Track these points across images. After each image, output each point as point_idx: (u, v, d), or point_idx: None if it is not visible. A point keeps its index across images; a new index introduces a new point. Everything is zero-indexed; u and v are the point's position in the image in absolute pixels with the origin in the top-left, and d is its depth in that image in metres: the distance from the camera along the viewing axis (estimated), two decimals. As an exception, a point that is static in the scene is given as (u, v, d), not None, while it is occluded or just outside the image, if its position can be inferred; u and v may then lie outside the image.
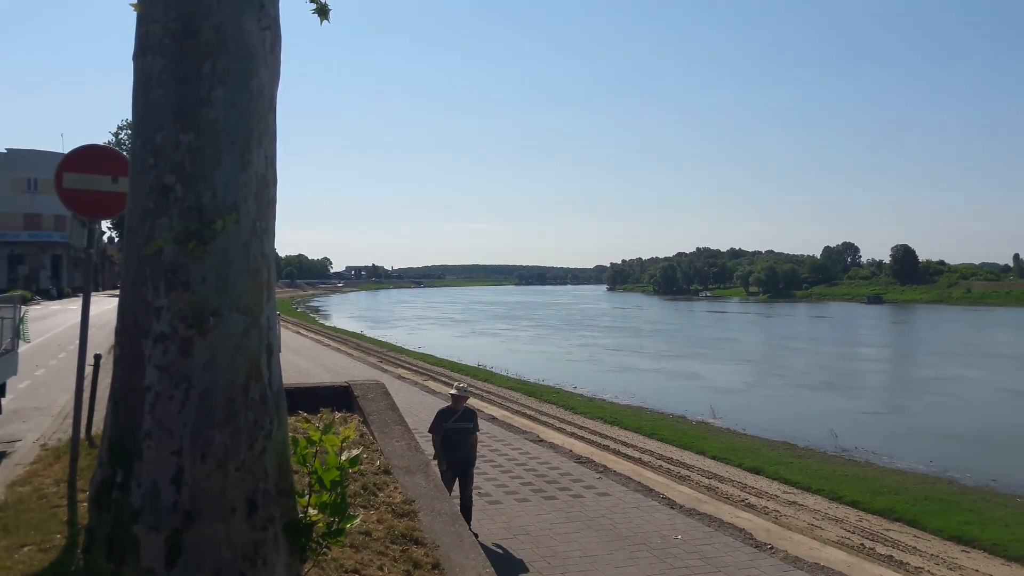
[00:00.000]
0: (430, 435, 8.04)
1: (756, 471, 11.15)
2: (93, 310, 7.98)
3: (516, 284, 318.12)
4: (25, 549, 5.82)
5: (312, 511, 3.88)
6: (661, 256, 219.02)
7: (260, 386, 3.64)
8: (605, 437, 13.18)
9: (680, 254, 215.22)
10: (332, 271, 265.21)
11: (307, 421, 4.00)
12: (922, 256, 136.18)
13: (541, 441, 11.82)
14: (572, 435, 13.10)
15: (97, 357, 9.88)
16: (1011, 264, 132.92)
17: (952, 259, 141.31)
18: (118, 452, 3.46)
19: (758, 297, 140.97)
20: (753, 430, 16.11)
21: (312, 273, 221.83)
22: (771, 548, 7.18)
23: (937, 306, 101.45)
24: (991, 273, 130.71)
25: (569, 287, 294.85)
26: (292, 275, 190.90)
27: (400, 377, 20.31)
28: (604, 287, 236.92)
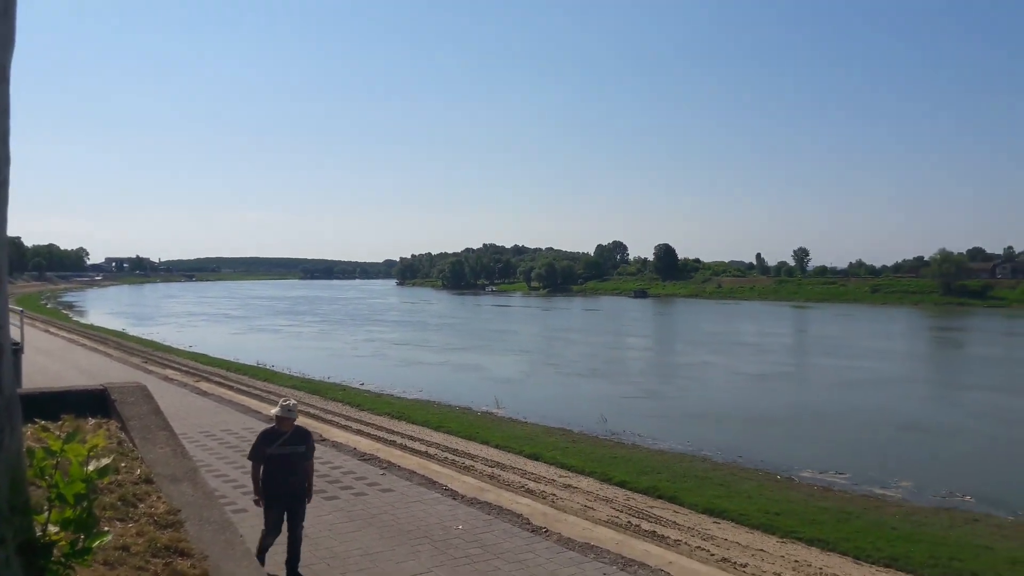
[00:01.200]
0: (249, 463, 6.76)
1: (535, 457, 11.63)
2: None
3: (301, 278, 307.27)
4: None
5: (52, 528, 3.48)
6: (450, 251, 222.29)
7: None
8: (392, 432, 13.10)
9: (468, 250, 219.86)
10: (89, 263, 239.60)
11: (45, 430, 3.57)
12: (681, 254, 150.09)
13: (324, 440, 11.49)
14: (358, 432, 12.87)
15: None
16: (754, 262, 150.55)
17: (706, 257, 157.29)
18: None
19: (539, 292, 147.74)
20: (533, 418, 16.82)
21: (65, 265, 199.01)
22: (546, 531, 7.51)
23: (693, 300, 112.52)
24: (738, 270, 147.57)
25: (358, 281, 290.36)
26: (41, 267, 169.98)
27: (167, 379, 18.82)
28: (394, 282, 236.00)
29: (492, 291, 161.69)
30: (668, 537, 7.90)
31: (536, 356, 33.79)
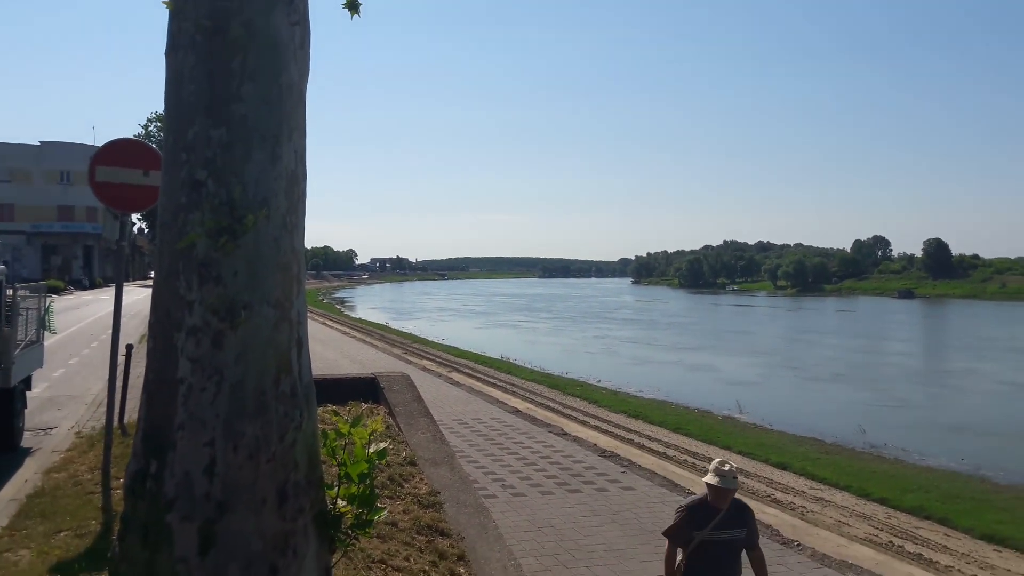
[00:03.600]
0: (665, 540, 5.05)
1: (783, 467, 11.06)
2: (124, 300, 8.12)
3: (539, 277, 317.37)
4: (62, 534, 6.02)
5: (341, 503, 3.95)
6: (688, 249, 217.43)
7: (290, 379, 3.70)
8: (629, 431, 13.16)
9: (707, 247, 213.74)
10: (357, 263, 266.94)
11: (336, 414, 4.07)
12: (955, 250, 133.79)
13: (565, 435, 11.84)
14: (596, 428, 13.09)
15: (129, 347, 10.04)
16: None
17: (987, 253, 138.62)
18: (152, 443, 3.54)
19: (786, 291, 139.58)
20: (780, 425, 16.00)
21: (338, 265, 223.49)
22: (798, 545, 7.12)
23: (970, 301, 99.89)
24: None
25: (593, 280, 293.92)
26: (318, 267, 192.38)
27: (424, 369, 20.42)
28: (628, 280, 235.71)
29: (733, 290, 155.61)
30: (938, 562, 7.15)
31: (785, 360, 32.02)
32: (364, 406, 8.94)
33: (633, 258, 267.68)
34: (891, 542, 7.68)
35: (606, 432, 12.84)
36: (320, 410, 4.52)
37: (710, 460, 11.18)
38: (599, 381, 22.22)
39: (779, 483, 10.01)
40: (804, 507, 8.82)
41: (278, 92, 3.59)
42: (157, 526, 3.41)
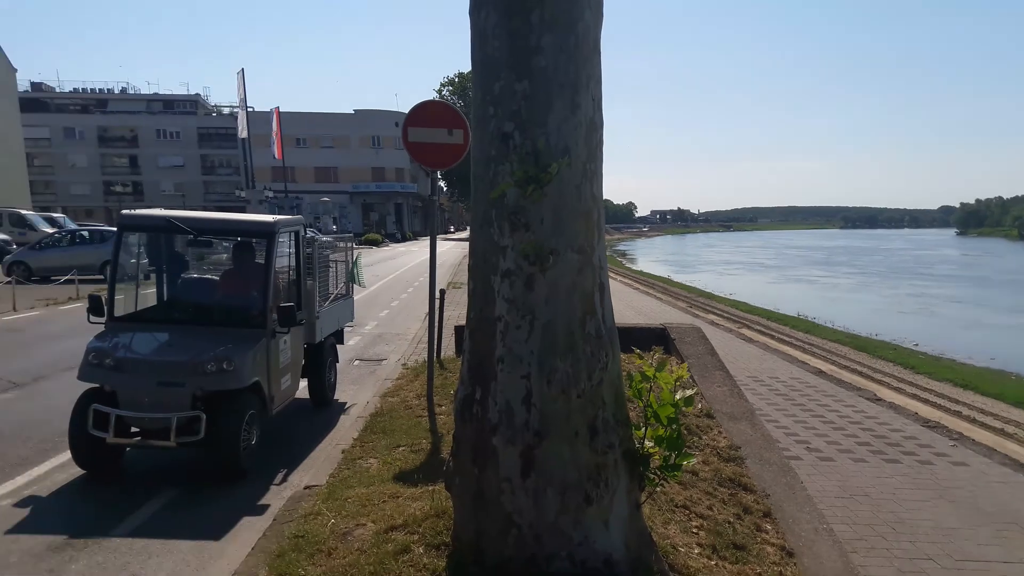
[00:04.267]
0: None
1: None
2: (426, 253, 9.00)
3: (840, 228, 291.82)
4: (400, 449, 6.84)
5: (648, 443, 3.98)
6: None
7: (595, 321, 3.85)
8: (956, 402, 11.59)
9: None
10: (637, 216, 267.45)
11: (640, 357, 4.07)
12: None
13: (879, 400, 10.75)
14: (914, 397, 11.72)
15: (441, 292, 11.00)
16: None
17: None
18: (476, 372, 3.87)
19: None
20: None
21: (617, 218, 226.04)
22: None
23: None
24: None
25: (905, 231, 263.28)
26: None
27: (712, 323, 19.84)
28: (951, 231, 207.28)
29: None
30: None
31: None
32: (655, 356, 8.90)
33: (958, 205, 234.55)
34: None
35: (927, 401, 11.44)
36: (623, 355, 4.56)
37: (1065, 440, 9.52)
38: (916, 345, 19.93)
39: None
40: None
41: (575, 41, 3.65)
42: (484, 447, 3.79)
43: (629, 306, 22.71)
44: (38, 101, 78.84)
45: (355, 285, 10.73)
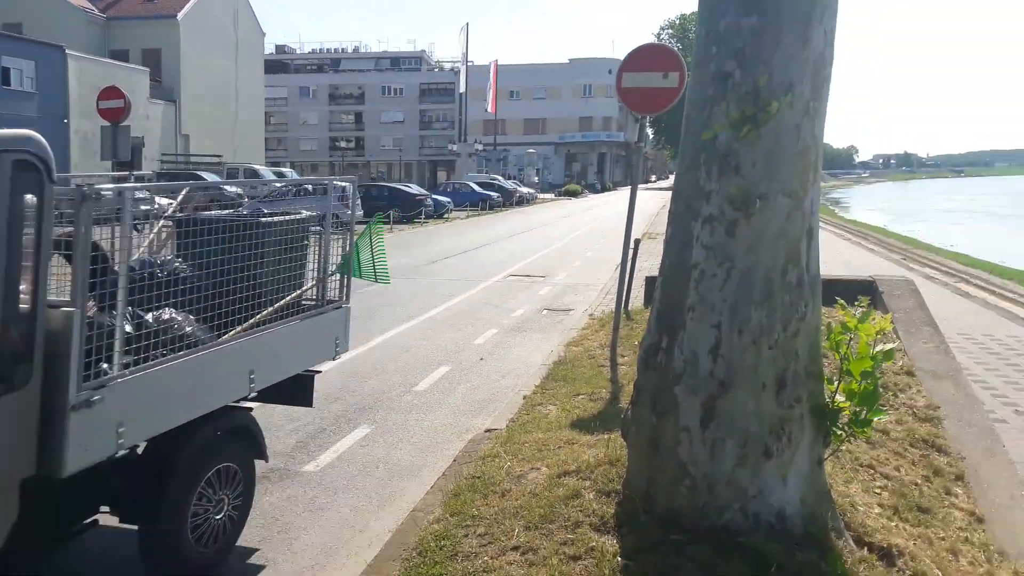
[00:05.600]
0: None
1: None
2: (623, 205, 9.00)
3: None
4: (579, 397, 7.15)
5: (840, 398, 3.93)
6: None
7: (798, 270, 3.75)
8: None
9: None
10: (857, 160, 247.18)
11: (844, 308, 3.99)
12: None
13: None
14: None
15: (636, 242, 11.15)
16: None
17: None
18: (665, 321, 3.94)
19: None
20: None
21: (836, 163, 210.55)
22: None
23: None
24: None
25: None
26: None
27: (928, 278, 18.34)
28: None
29: None
30: None
31: None
32: (859, 310, 8.58)
33: None
34: None
35: None
36: (826, 308, 4.49)
37: None
38: None
39: None
40: None
41: None
42: (665, 396, 3.86)
43: (836, 258, 21.46)
44: (280, 63, 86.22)
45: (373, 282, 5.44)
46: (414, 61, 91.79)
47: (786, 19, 3.54)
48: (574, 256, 20.78)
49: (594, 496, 4.27)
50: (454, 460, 5.75)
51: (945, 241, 33.54)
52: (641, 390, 4.12)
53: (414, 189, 36.34)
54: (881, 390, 6.43)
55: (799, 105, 3.60)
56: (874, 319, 3.93)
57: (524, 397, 7.31)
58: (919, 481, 4.95)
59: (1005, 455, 5.61)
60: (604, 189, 74.90)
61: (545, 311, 12.72)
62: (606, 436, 5.34)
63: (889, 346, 3.99)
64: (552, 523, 4.09)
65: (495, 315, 12.19)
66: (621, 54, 8.61)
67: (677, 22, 74.66)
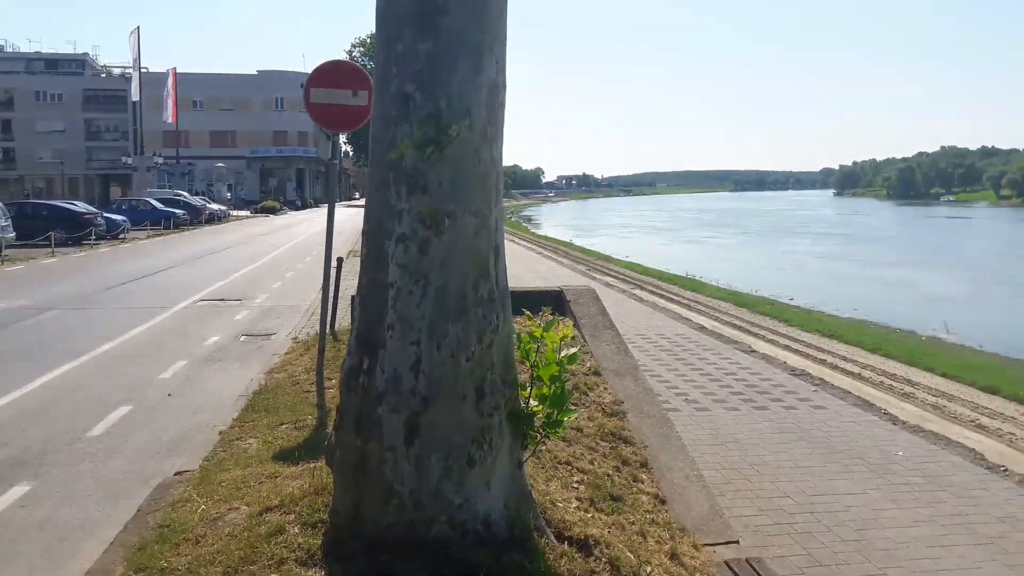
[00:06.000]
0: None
1: (992, 391, 10.21)
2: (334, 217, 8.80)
3: (731, 190, 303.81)
4: (283, 427, 6.78)
5: (533, 402, 4.19)
6: (899, 156, 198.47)
7: (488, 284, 3.88)
8: (822, 351, 12.64)
9: (921, 154, 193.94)
10: (544, 181, 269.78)
11: (530, 319, 4.24)
12: None
13: (753, 352, 11.60)
14: (786, 348, 12.69)
15: (339, 260, 10.96)
16: None
17: None
18: (365, 341, 3.88)
19: (1011, 201, 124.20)
20: (993, 347, 14.67)
21: (525, 183, 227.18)
22: (1005, 470, 6.66)
23: None
24: None
25: (790, 192, 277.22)
26: (507, 186, 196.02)
27: (608, 285, 20.58)
28: (830, 192, 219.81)
29: (948, 201, 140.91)
30: None
31: (995, 276, 29.03)
32: (551, 318, 9.28)
33: (836, 168, 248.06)
34: (1121, 476, 6.95)
35: (797, 351, 12.42)
36: (515, 317, 4.77)
37: (909, 382, 10.59)
38: (791, 299, 21.32)
39: (986, 408, 9.27)
40: (1014, 434, 8.15)
41: (482, 2, 3.67)
42: (369, 417, 3.77)
43: (531, 270, 23.17)
44: None
45: None
46: (75, 64, 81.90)
47: (459, 46, 3.65)
48: (275, 276, 19.94)
49: (299, 530, 4.08)
50: (138, 510, 5.19)
51: (621, 252, 37.99)
52: (344, 413, 4.03)
53: (80, 207, 32.27)
54: (572, 391, 7.03)
55: (477, 129, 3.73)
56: (558, 327, 4.21)
57: (220, 433, 6.80)
58: (611, 472, 5.42)
59: (679, 440, 6.39)
60: (305, 206, 73.14)
61: (243, 337, 12.00)
62: (312, 465, 5.13)
63: (573, 351, 4.32)
64: (254, 564, 3.80)
65: (185, 345, 11.20)
66: (312, 68, 8.35)
67: (368, 40, 75.51)
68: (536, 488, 4.51)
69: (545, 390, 4.19)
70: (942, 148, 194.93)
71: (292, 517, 4.24)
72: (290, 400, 7.65)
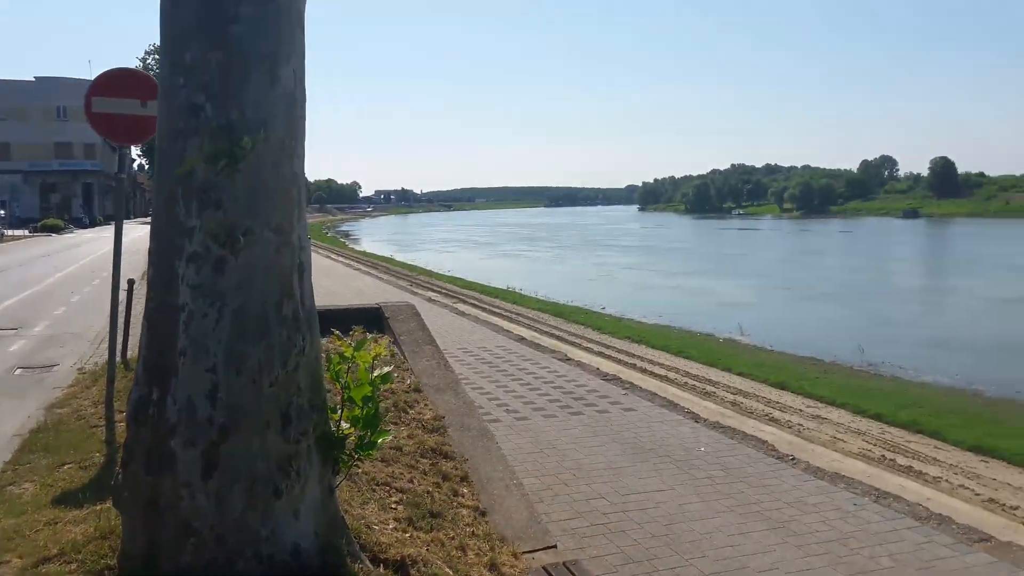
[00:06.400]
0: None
1: (781, 386, 11.26)
2: (125, 237, 8.12)
3: (546, 206, 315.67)
4: (66, 467, 6.09)
5: (344, 425, 4.04)
6: (695, 174, 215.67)
7: (292, 304, 3.71)
8: (632, 356, 13.35)
9: (714, 171, 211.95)
10: (362, 195, 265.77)
11: (340, 339, 4.10)
12: (962, 169, 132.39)
13: (569, 360, 12.03)
14: (600, 354, 13.28)
15: (130, 282, 10.12)
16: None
17: (995, 171, 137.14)
18: (154, 370, 3.57)
19: (791, 214, 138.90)
20: (781, 346, 16.20)
21: (342, 198, 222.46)
22: (793, 459, 7.33)
23: (974, 219, 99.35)
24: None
25: (600, 208, 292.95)
26: (322, 200, 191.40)
27: (430, 300, 20.58)
28: (635, 207, 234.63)
29: (739, 214, 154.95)
30: (927, 473, 7.36)
31: (781, 281, 32.28)
32: (370, 335, 9.08)
33: (640, 184, 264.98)
34: (883, 456, 7.88)
35: (609, 357, 13.03)
36: (325, 338, 4.59)
37: (710, 381, 11.44)
38: (603, 308, 22.40)
39: (777, 402, 10.21)
40: (801, 425, 9.02)
41: (275, 12, 3.53)
42: (160, 451, 3.47)
43: (350, 288, 22.67)
44: None
45: None
46: None
47: (252, 56, 3.49)
48: (57, 301, 18.05)
49: (84, 580, 3.64)
50: None
51: (443, 266, 38.19)
52: (133, 449, 3.69)
53: None
54: (392, 409, 6.89)
55: (275, 142, 3.58)
56: (371, 345, 4.10)
57: (-10, 479, 5.98)
58: (431, 489, 5.35)
59: (499, 451, 6.43)
60: (94, 223, 67.26)
61: (19, 370, 10.74)
62: (99, 507, 4.66)
63: (387, 369, 4.21)
64: (29, 626, 3.36)
65: (-54, 385, 9.82)
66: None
67: None
68: (350, 513, 4.36)
69: (357, 412, 4.06)
70: (732, 166, 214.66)
71: (74, 567, 3.84)
72: (74, 437, 6.90)
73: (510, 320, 17.50)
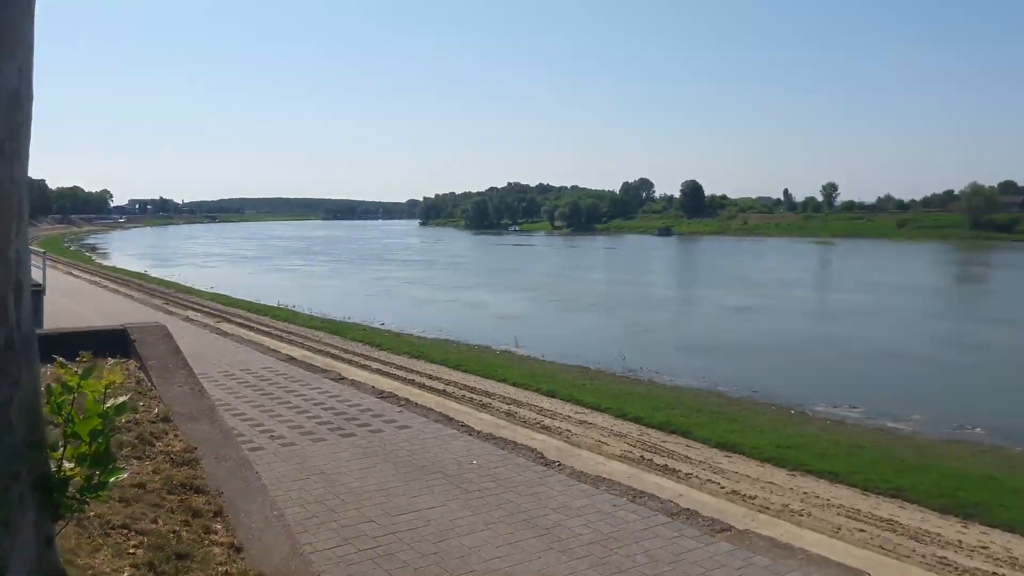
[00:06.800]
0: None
1: (552, 394, 11.76)
2: None
3: (323, 219, 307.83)
4: None
5: (67, 464, 3.58)
6: (474, 190, 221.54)
7: (6, 330, 3.25)
8: (411, 371, 13.28)
9: (492, 189, 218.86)
10: (113, 205, 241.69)
11: (64, 366, 3.62)
12: (708, 191, 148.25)
13: (342, 379, 11.69)
14: (376, 371, 13.06)
15: None
16: (782, 198, 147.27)
17: (735, 194, 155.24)
18: None
19: (562, 231, 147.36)
20: (552, 356, 16.97)
21: (89, 207, 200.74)
22: (559, 465, 7.64)
23: (718, 237, 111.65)
24: (765, 207, 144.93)
25: (380, 222, 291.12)
26: (65, 210, 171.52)
27: (188, 320, 19.13)
28: (417, 222, 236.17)
29: (515, 231, 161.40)
30: (679, 471, 8.02)
31: (553, 294, 34.03)
32: (111, 360, 8.18)
33: (421, 199, 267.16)
34: (642, 457, 8.48)
35: (386, 374, 12.86)
36: (49, 366, 4.02)
37: (487, 393, 11.66)
38: (382, 324, 22.13)
39: (548, 410, 10.64)
40: (569, 431, 9.46)
41: None
42: None
43: (96, 308, 20.43)
44: None
45: None
46: None
47: None
48: None
49: None
50: None
51: (206, 282, 35.70)
52: None
53: None
54: (136, 442, 6.21)
55: None
56: (100, 373, 3.65)
57: None
58: (178, 528, 4.85)
59: (259, 481, 5.98)
60: None
61: None
62: None
63: (123, 399, 3.75)
64: None
65: None
66: None
67: None
68: (76, 564, 3.83)
69: (84, 448, 3.60)
70: (509, 184, 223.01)
71: None
72: None
73: (281, 339, 16.71)
